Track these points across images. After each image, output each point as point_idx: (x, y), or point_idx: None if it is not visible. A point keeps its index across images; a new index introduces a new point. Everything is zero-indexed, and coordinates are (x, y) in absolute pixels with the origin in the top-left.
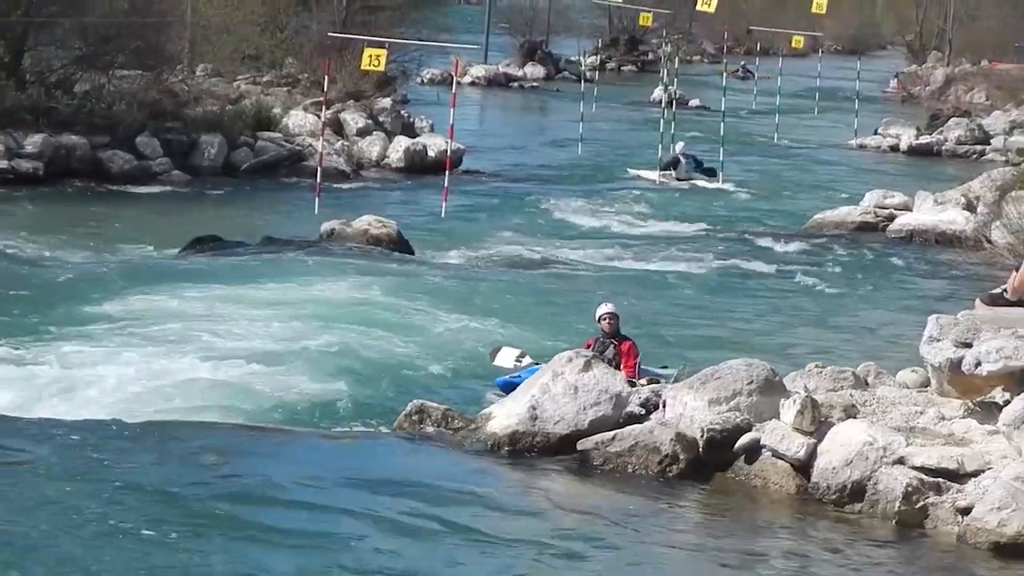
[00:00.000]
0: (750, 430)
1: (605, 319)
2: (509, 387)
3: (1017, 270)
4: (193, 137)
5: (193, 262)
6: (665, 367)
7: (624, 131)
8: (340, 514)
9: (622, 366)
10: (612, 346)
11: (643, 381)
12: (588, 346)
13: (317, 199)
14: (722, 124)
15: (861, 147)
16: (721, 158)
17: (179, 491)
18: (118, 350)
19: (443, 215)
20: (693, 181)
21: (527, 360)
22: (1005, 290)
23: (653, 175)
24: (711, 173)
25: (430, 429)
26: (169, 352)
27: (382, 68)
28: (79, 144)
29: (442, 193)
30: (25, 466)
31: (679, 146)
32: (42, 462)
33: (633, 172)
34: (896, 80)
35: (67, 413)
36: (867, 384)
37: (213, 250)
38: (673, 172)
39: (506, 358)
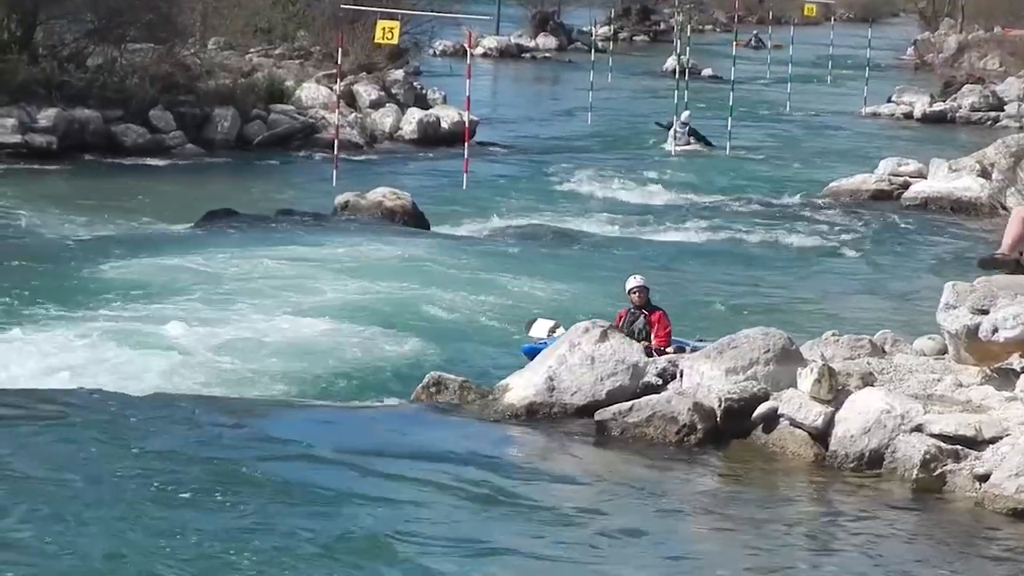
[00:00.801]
0: (767, 399)
1: (635, 292)
2: (534, 353)
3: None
4: (206, 110)
5: (207, 235)
6: (701, 340)
7: (636, 101)
8: (359, 481)
9: (652, 336)
10: (642, 317)
11: (671, 350)
12: (620, 317)
13: (335, 171)
14: (731, 94)
15: (874, 115)
16: (729, 127)
17: (208, 458)
18: (138, 324)
19: (464, 187)
20: (689, 147)
21: (560, 331)
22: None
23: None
24: (707, 142)
25: (447, 400)
26: (186, 327)
27: (395, 41)
28: (92, 118)
29: (459, 165)
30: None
31: (684, 115)
32: (72, 429)
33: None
34: (913, 47)
35: (89, 384)
36: (884, 352)
37: (228, 223)
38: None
39: (540, 330)
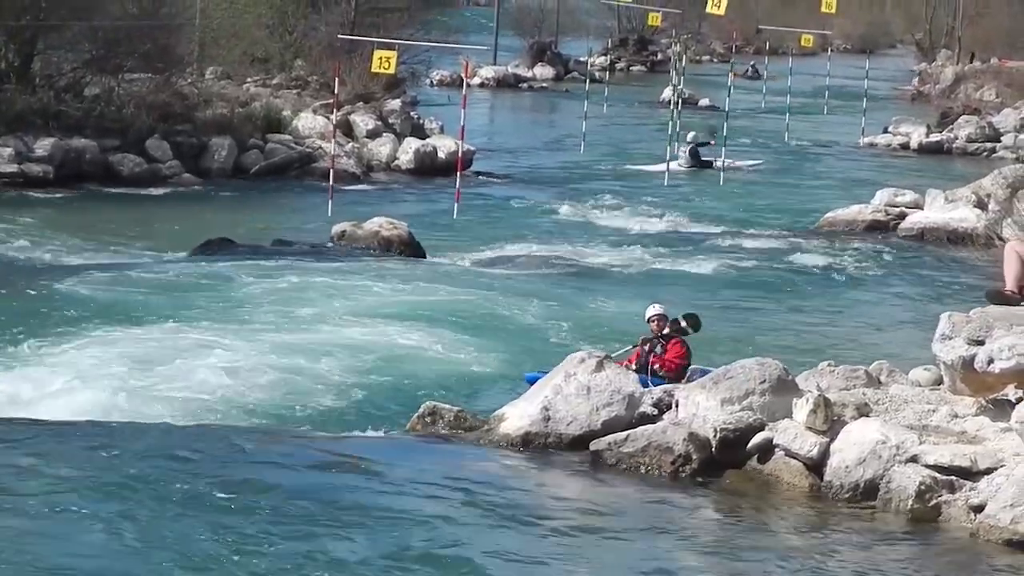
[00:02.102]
0: (763, 429)
1: (654, 320)
2: (537, 381)
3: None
4: (203, 140)
5: (204, 264)
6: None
7: (632, 131)
8: (350, 514)
9: (663, 363)
10: (660, 345)
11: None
12: (640, 346)
13: (330, 201)
14: (725, 124)
15: (871, 146)
16: (723, 158)
17: (199, 492)
18: (129, 351)
19: (454, 216)
20: (693, 169)
21: None
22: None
23: (657, 168)
24: (707, 165)
25: (443, 430)
26: (181, 356)
27: (392, 70)
28: (89, 147)
29: (454, 194)
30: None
31: (690, 135)
32: (51, 462)
33: (634, 167)
34: (918, 77)
35: (74, 414)
36: (880, 382)
37: (225, 252)
38: (677, 163)
39: None
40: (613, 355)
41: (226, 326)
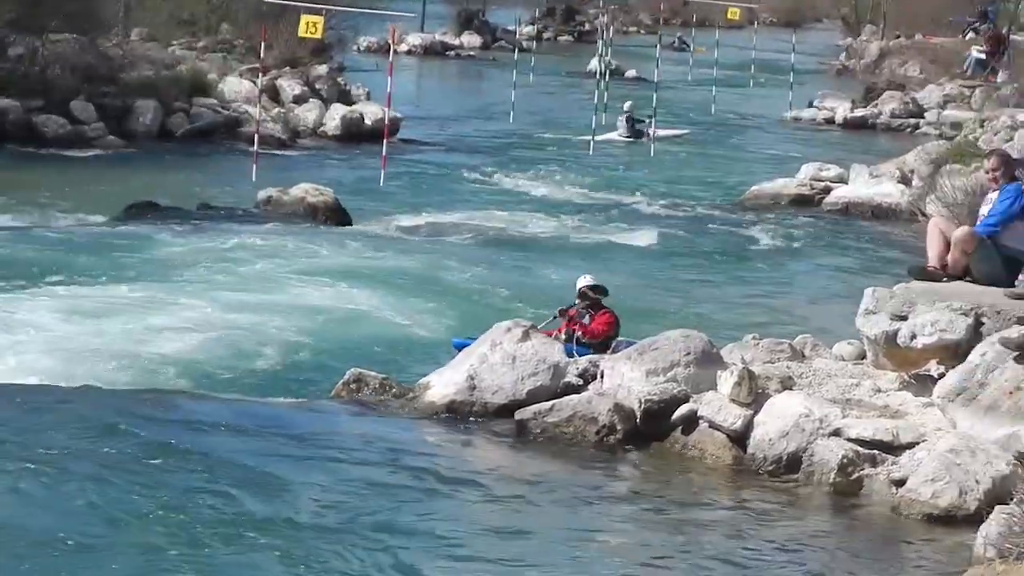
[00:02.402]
0: (687, 401)
1: (585, 290)
2: (464, 348)
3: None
4: (128, 102)
5: (129, 228)
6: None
7: (559, 101)
8: (274, 479)
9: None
10: (589, 315)
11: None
12: (569, 314)
13: (255, 166)
14: (655, 95)
15: (796, 120)
16: (653, 129)
17: (121, 455)
18: (53, 315)
19: (381, 183)
20: (629, 139)
21: None
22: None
23: (614, 135)
24: (639, 134)
25: (368, 397)
26: (105, 320)
27: (319, 35)
28: (12, 108)
29: (380, 161)
30: None
31: (627, 104)
32: None
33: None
34: (844, 53)
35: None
36: (804, 356)
37: (150, 216)
38: (616, 133)
39: None
40: (539, 325)
41: (151, 290)
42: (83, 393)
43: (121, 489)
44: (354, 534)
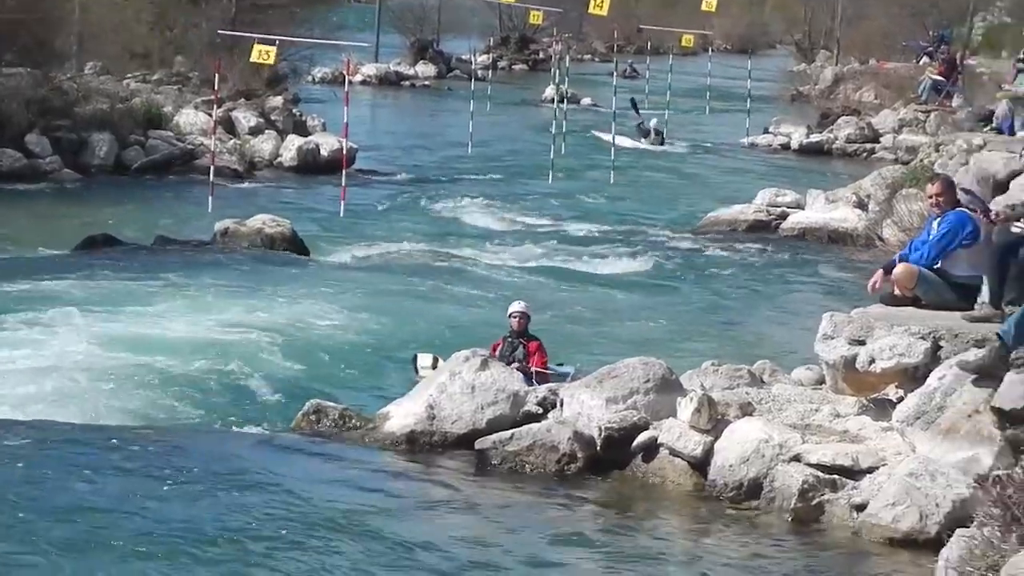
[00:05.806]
0: (647, 428)
1: (515, 317)
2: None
3: (886, 270)
4: (83, 136)
5: (85, 261)
6: (561, 364)
7: (516, 130)
8: (232, 512)
9: (532, 364)
10: (521, 345)
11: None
12: (495, 347)
13: (211, 198)
14: (612, 123)
15: (752, 146)
16: (613, 156)
17: (73, 492)
18: (5, 351)
19: (341, 214)
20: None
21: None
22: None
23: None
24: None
25: (328, 428)
26: (61, 353)
27: (272, 61)
28: None
29: (339, 192)
30: None
31: (652, 121)
32: None
33: (605, 136)
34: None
35: None
36: (763, 382)
37: (106, 249)
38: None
39: (424, 363)
40: None
41: (108, 323)
42: (34, 428)
43: (71, 528)
44: (307, 566)
